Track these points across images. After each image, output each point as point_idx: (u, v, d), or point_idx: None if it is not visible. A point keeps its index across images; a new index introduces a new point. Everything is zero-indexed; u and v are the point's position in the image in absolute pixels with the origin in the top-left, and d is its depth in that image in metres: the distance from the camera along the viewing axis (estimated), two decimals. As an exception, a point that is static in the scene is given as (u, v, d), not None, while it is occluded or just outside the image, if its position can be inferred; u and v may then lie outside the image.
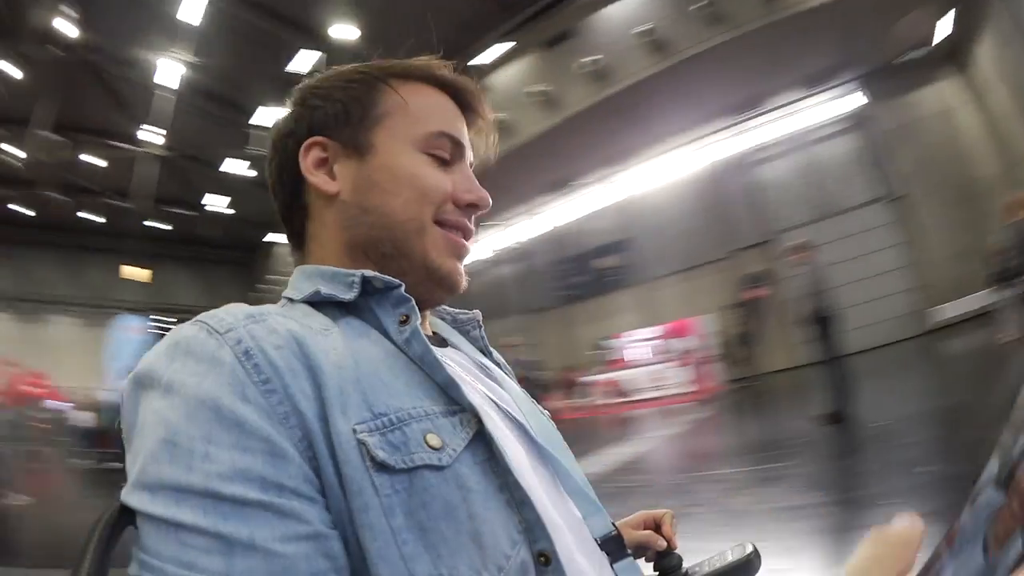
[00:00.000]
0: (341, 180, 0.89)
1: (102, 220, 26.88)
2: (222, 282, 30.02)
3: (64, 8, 16.95)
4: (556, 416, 0.98)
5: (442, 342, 0.95)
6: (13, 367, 17.43)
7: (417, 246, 0.87)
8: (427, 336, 0.83)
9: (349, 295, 0.79)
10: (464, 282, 0.92)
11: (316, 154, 0.90)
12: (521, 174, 17.36)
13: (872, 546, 0.48)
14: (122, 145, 22.03)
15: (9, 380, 17.04)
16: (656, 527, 1.12)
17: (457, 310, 1.07)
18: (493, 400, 0.82)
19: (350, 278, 0.81)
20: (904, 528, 0.47)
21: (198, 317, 0.70)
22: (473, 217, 0.94)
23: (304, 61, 17.43)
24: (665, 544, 1.08)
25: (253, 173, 22.24)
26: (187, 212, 26.03)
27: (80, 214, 26.69)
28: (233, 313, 0.71)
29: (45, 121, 20.51)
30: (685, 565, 1.06)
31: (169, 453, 0.59)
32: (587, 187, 20.89)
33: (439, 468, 0.66)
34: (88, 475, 11.86)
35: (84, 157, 22.75)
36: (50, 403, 18.25)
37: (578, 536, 0.77)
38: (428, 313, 0.98)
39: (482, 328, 1.07)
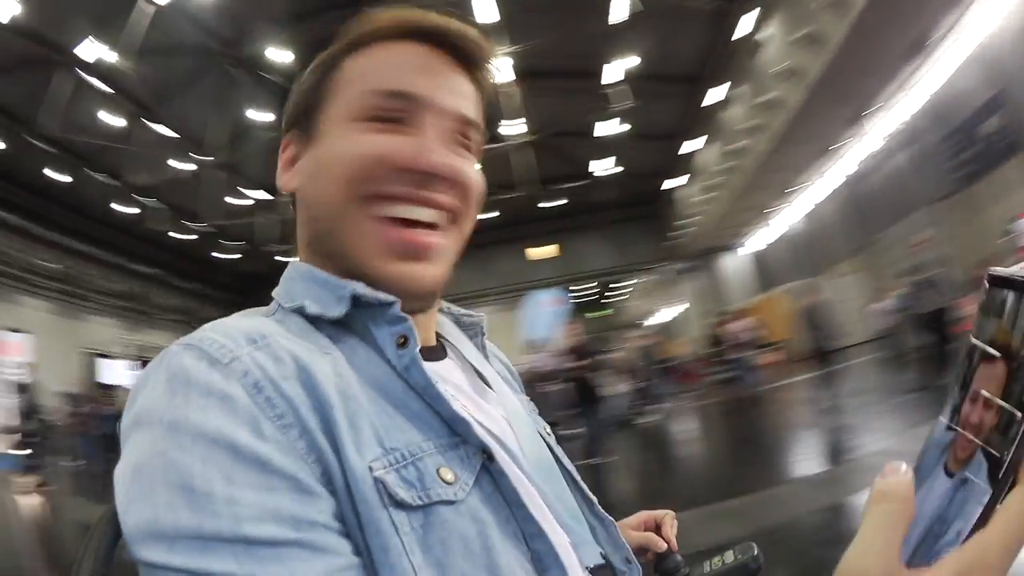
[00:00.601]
0: (298, 174, 0.88)
1: (496, 215, 31.58)
2: (631, 239, 32.50)
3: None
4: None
5: (441, 350, 0.94)
6: None
7: (344, 240, 0.82)
8: (426, 346, 0.88)
9: (337, 312, 0.78)
10: (426, 283, 0.84)
11: (289, 152, 0.91)
12: (874, 49, 16.62)
13: (881, 503, 0.47)
14: (489, 146, 24.19)
15: None
16: (656, 528, 1.15)
17: (462, 311, 1.05)
18: (486, 428, 0.81)
19: (340, 291, 0.79)
20: (900, 478, 0.48)
21: (192, 341, 0.69)
22: (426, 188, 0.82)
23: (618, 9, 18.56)
24: (665, 546, 1.10)
25: (627, 127, 24.10)
26: (577, 183, 28.97)
27: None
28: (231, 336, 0.70)
29: None
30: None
31: (186, 499, 0.58)
32: (943, 41, 18.87)
33: (453, 503, 0.68)
34: None
35: None
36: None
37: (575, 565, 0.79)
38: (435, 313, 0.96)
39: (484, 336, 1.06)
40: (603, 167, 27.41)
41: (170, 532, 0.57)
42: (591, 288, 33.57)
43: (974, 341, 0.50)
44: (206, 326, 0.73)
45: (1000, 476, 0.44)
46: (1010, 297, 0.46)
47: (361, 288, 0.78)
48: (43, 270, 25.21)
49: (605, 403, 9.72)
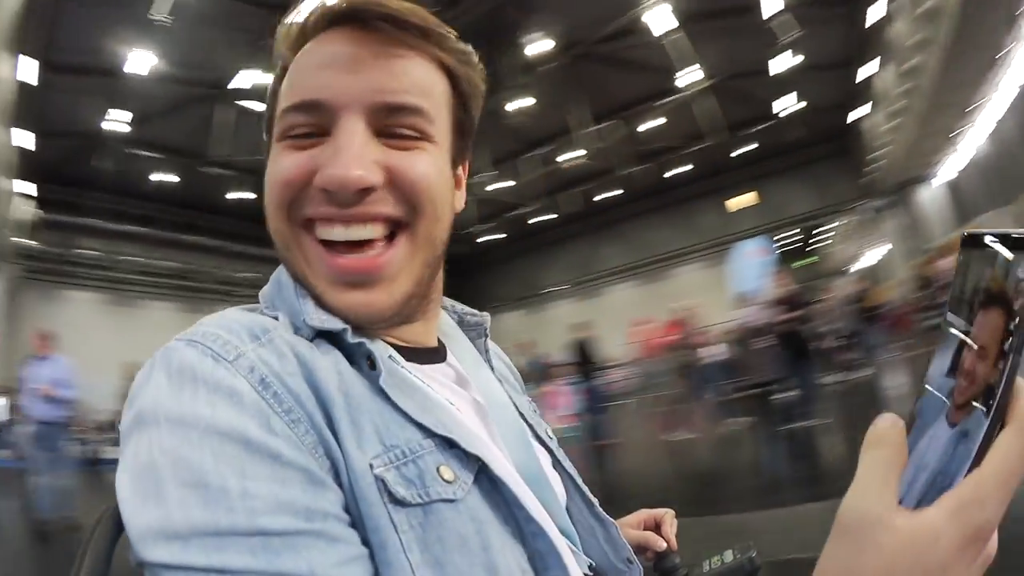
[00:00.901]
0: None
1: (689, 168, 31.54)
2: (828, 177, 30.65)
3: (529, 37, 22.36)
4: None
5: (441, 351, 0.96)
6: (646, 325, 20.00)
7: (296, 268, 0.83)
8: (425, 347, 0.92)
9: (305, 334, 0.78)
10: (372, 310, 0.81)
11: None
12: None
13: (874, 449, 0.51)
14: (667, 100, 25.99)
15: (645, 336, 19.57)
16: (656, 527, 1.17)
17: (467, 310, 1.06)
18: (477, 434, 0.81)
19: (299, 318, 0.79)
20: (890, 426, 0.52)
21: (194, 338, 0.70)
22: (351, 205, 0.78)
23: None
24: (664, 545, 1.12)
25: (800, 58, 23.13)
26: (763, 126, 28.11)
27: (667, 174, 32.18)
28: (235, 332, 0.71)
29: (583, 120, 26.61)
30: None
31: (200, 496, 0.59)
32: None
33: (453, 501, 0.70)
34: (721, 407, 12.65)
35: (642, 127, 27.73)
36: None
37: None
38: (436, 313, 0.97)
39: (488, 337, 1.08)
40: (786, 105, 26.22)
41: (184, 530, 0.58)
42: (794, 235, 32.13)
43: (965, 291, 0.52)
44: (206, 321, 0.74)
45: (990, 419, 0.47)
46: (999, 253, 0.48)
47: (311, 315, 0.78)
48: (242, 280, 29.08)
49: (818, 358, 9.59)
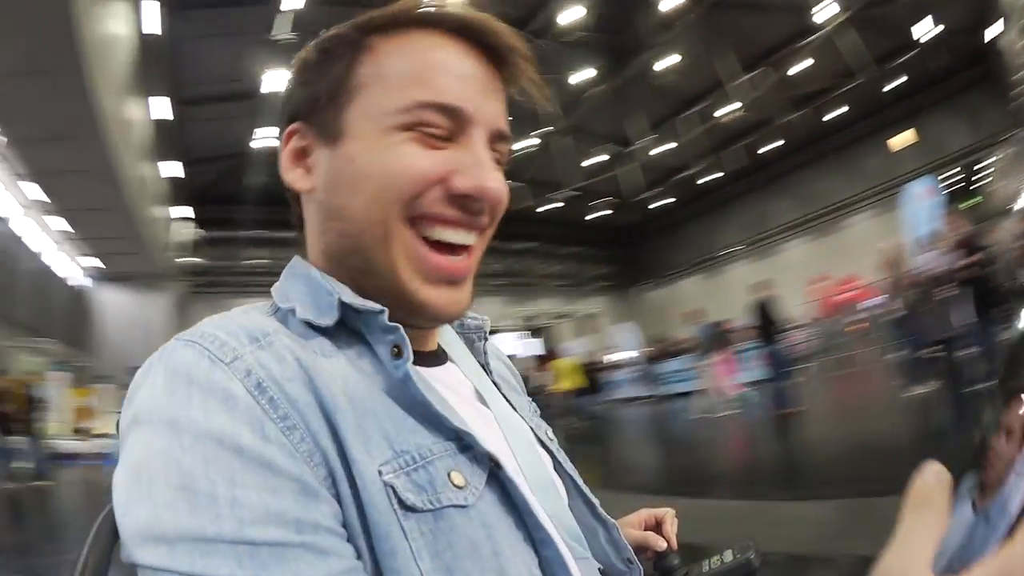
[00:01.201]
0: (315, 174, 0.84)
1: (845, 110, 29.95)
2: (979, 106, 27.73)
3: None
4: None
5: (443, 354, 0.95)
6: (823, 282, 19.24)
7: (384, 260, 0.80)
8: (427, 351, 0.91)
9: (327, 319, 0.77)
10: (459, 308, 0.85)
11: (295, 143, 0.86)
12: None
13: (917, 511, 0.50)
14: (809, 39, 24.73)
15: (821, 294, 18.87)
16: (657, 526, 1.17)
17: (467, 313, 1.01)
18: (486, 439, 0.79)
19: (330, 298, 0.78)
20: (936, 484, 0.51)
21: (192, 338, 0.69)
22: (478, 214, 0.82)
23: None
24: (665, 544, 1.12)
25: None
26: (908, 56, 26.15)
27: (824, 118, 30.68)
28: (234, 334, 0.70)
29: (732, 71, 26.11)
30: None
31: (188, 501, 0.58)
32: None
33: (464, 507, 0.70)
34: (902, 366, 11.34)
35: (792, 71, 26.60)
36: (865, 303, 19.72)
37: None
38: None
39: (487, 341, 1.06)
40: (924, 30, 24.26)
41: (171, 534, 0.57)
42: (956, 174, 29.01)
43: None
44: (206, 321, 0.74)
45: None
46: None
47: (347, 295, 0.78)
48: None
49: (999, 309, 8.72)
